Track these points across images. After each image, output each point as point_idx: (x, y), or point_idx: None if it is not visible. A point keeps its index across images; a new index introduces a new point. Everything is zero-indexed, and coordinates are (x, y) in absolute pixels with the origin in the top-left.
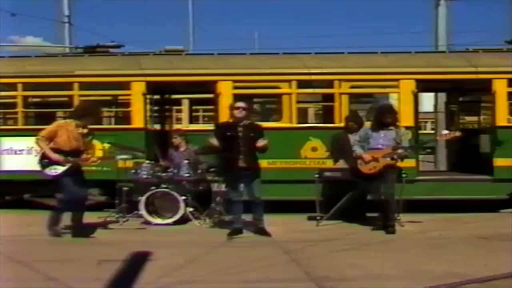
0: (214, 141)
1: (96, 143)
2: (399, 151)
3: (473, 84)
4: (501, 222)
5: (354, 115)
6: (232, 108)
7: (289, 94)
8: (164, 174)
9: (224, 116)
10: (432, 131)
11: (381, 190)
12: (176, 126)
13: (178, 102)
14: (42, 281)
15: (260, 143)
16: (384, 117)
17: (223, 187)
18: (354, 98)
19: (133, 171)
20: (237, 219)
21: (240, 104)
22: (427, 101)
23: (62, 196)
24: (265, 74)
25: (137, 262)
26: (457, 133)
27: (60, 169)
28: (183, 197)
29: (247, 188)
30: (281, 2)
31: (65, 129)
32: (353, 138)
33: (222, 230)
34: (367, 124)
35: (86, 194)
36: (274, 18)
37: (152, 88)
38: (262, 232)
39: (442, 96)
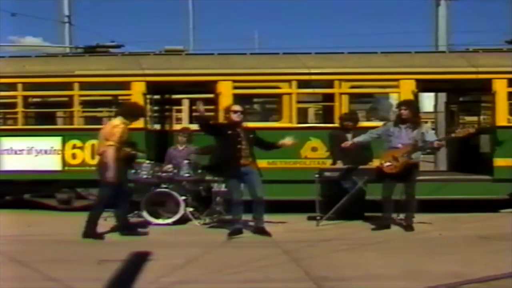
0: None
1: (96, 143)
2: (436, 142)
3: (473, 84)
4: (501, 222)
5: (350, 114)
6: (228, 111)
7: (289, 94)
8: (164, 174)
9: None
10: (432, 131)
11: (403, 190)
12: (177, 126)
13: (178, 102)
14: (42, 281)
15: (288, 142)
16: (400, 109)
17: (223, 187)
18: (354, 98)
19: (133, 171)
20: (238, 220)
21: (238, 108)
22: (427, 101)
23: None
24: (265, 74)
25: (137, 262)
26: (471, 130)
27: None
28: (183, 197)
29: (249, 187)
30: (281, 2)
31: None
32: (350, 136)
33: (222, 230)
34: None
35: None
36: (274, 18)
37: (152, 88)
38: (262, 231)
39: (442, 96)
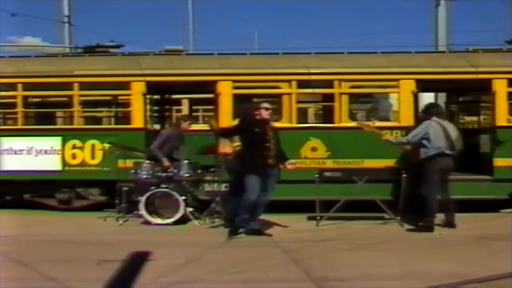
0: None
1: (96, 143)
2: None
3: (473, 84)
4: (501, 222)
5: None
6: (259, 108)
7: (289, 94)
8: (164, 174)
9: (224, 116)
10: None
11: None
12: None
13: (178, 102)
14: (42, 281)
15: (291, 166)
16: None
17: (223, 187)
18: (354, 98)
19: (133, 171)
20: (245, 219)
21: (268, 105)
22: (427, 101)
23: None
24: (265, 74)
25: (137, 262)
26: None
27: None
28: (183, 197)
29: (263, 188)
30: (281, 2)
31: None
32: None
33: (222, 230)
34: None
35: None
36: (274, 18)
37: (152, 88)
38: (259, 233)
39: (442, 96)
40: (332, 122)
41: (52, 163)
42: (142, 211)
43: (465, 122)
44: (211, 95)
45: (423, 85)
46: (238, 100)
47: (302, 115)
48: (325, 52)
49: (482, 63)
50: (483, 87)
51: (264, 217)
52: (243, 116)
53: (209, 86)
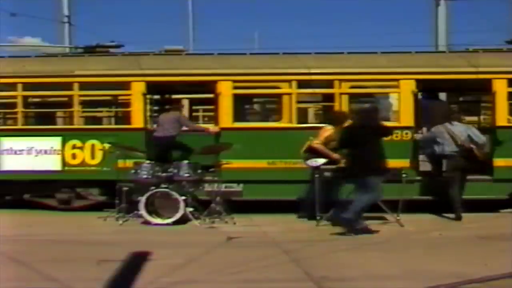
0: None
1: (96, 143)
2: None
3: (473, 84)
4: (501, 222)
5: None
6: (377, 111)
7: (289, 94)
8: (164, 174)
9: (224, 116)
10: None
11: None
12: None
13: (178, 102)
14: (42, 281)
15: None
16: None
17: (223, 187)
18: (354, 98)
19: (133, 171)
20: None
21: None
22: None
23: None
24: (265, 74)
25: (137, 262)
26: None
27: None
28: (183, 197)
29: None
30: (281, 2)
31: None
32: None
33: (222, 230)
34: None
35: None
36: (274, 18)
37: (152, 88)
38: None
39: (442, 96)
40: None
41: (52, 163)
42: (142, 211)
43: (465, 122)
44: (211, 95)
45: (423, 85)
46: (238, 100)
47: (302, 115)
48: (325, 52)
49: (482, 63)
50: (483, 87)
51: (264, 217)
52: (364, 119)
53: (209, 86)
